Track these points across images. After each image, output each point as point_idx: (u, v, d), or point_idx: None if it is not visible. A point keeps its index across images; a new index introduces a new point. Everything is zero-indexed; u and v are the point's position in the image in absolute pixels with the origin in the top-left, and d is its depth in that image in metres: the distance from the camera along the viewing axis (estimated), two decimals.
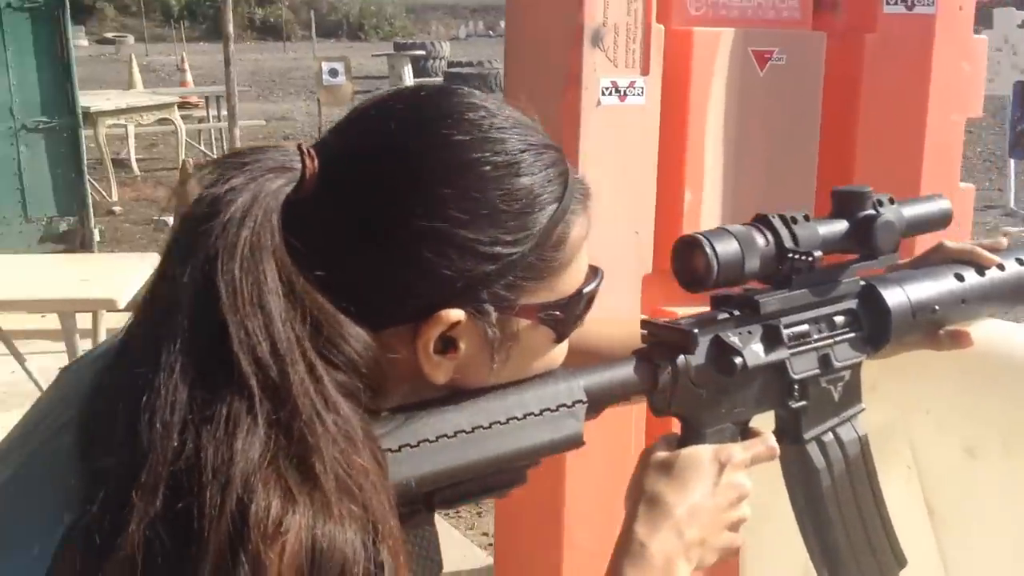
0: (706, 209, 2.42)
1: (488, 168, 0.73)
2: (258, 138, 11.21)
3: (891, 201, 0.97)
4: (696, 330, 0.86)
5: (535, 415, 0.78)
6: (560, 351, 0.82)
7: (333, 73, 11.48)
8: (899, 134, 2.48)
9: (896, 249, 0.97)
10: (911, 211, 0.99)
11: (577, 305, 0.79)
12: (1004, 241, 1.06)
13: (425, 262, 0.71)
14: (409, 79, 16.55)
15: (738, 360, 0.87)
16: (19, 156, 6.08)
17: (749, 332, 0.89)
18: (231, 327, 0.64)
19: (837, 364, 0.95)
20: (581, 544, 2.25)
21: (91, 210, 6.40)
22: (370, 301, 0.71)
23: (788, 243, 0.89)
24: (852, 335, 0.96)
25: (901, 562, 1.00)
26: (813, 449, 0.95)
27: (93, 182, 8.27)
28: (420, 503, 0.74)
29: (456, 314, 0.72)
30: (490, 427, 0.76)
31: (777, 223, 0.90)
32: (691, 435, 0.88)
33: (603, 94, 2.25)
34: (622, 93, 2.29)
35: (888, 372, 1.01)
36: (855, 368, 0.97)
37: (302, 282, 0.68)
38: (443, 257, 0.71)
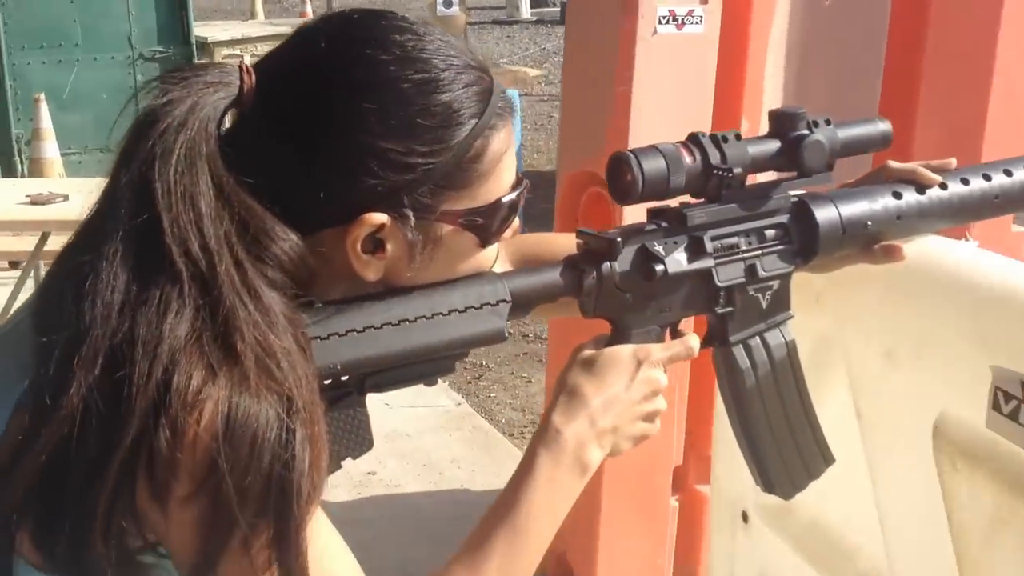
0: None
1: (408, 85, 0.81)
2: None
3: (828, 123, 1.02)
4: (619, 238, 0.93)
5: (459, 312, 0.86)
6: (487, 256, 0.90)
7: (447, 3, 11.53)
8: (966, 67, 2.44)
9: (829, 168, 1.01)
10: (846, 132, 1.03)
11: (497, 213, 0.87)
12: (953, 162, 1.10)
13: (349, 170, 0.80)
14: (526, 9, 16.45)
15: (659, 267, 0.94)
16: (135, 84, 6.35)
17: (675, 242, 0.96)
18: (164, 222, 0.74)
19: (764, 274, 1.01)
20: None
21: None
22: (301, 205, 0.80)
23: (715, 160, 0.95)
24: (781, 247, 1.02)
25: (828, 460, 1.07)
26: (739, 351, 1.02)
27: None
28: (352, 387, 0.85)
29: (380, 217, 0.81)
30: (415, 321, 0.84)
31: (706, 142, 0.95)
32: (618, 336, 0.96)
33: (660, 22, 2.28)
34: (680, 22, 2.31)
35: (831, 285, 1.07)
36: (784, 278, 1.03)
37: (232, 185, 0.77)
38: (365, 165, 0.80)
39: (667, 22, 2.30)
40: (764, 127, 2.67)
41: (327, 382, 0.83)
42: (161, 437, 0.69)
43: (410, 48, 0.82)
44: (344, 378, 0.84)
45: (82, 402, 0.70)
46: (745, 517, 1.34)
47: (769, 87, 2.42)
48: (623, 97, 2.29)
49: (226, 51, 8.54)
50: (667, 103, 2.29)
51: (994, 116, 2.44)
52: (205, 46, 8.24)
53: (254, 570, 0.73)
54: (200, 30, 8.44)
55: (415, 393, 3.76)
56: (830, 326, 1.17)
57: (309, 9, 13.07)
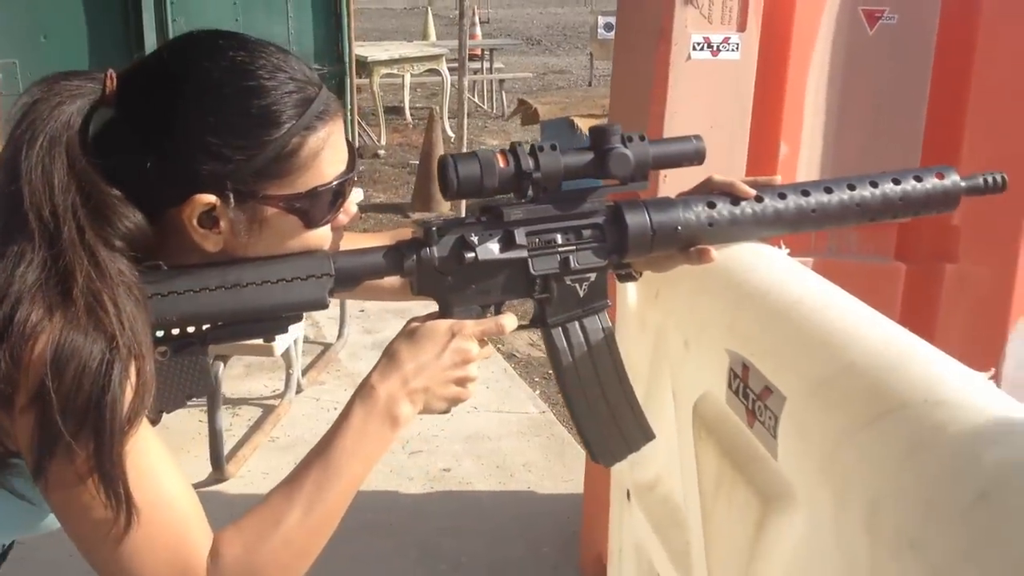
0: (803, 162, 2.50)
1: (230, 91, 0.99)
2: (531, 90, 11.70)
3: (641, 138, 1.14)
4: (435, 228, 1.10)
5: (287, 281, 1.04)
6: (315, 235, 1.06)
7: (608, 27, 11.70)
8: (1014, 97, 2.43)
9: (637, 178, 1.14)
10: (658, 149, 1.15)
11: (316, 199, 1.04)
12: (778, 178, 1.20)
13: (181, 158, 0.98)
14: None
15: (469, 255, 1.10)
16: None
17: (490, 234, 1.12)
18: (25, 192, 0.94)
19: (578, 266, 1.14)
20: None
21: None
22: (147, 187, 0.99)
23: (527, 167, 1.09)
24: (596, 244, 1.15)
25: (647, 435, 1.19)
26: (557, 333, 1.16)
27: (364, 126, 9.06)
28: (196, 338, 1.03)
29: (208, 198, 0.99)
30: (247, 286, 1.02)
31: (521, 151, 1.10)
32: (442, 313, 1.13)
33: (694, 49, 2.38)
34: (715, 48, 2.41)
35: (665, 283, 1.19)
36: (600, 271, 1.16)
37: (83, 166, 0.96)
38: (193, 155, 0.98)
39: (702, 48, 2.40)
40: (805, 152, 2.74)
41: (175, 332, 1.02)
42: (3, 359, 0.89)
43: (239, 62, 1.00)
44: (191, 330, 1.03)
45: None
46: (628, 495, 1.46)
47: (810, 113, 2.48)
48: (656, 119, 2.41)
49: (384, 70, 8.99)
50: (701, 126, 2.38)
51: None
52: (365, 65, 8.70)
53: (78, 475, 0.92)
54: (361, 50, 8.92)
55: (502, 399, 3.98)
56: (663, 319, 1.29)
57: (479, 31, 13.52)
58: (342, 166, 1.06)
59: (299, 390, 3.95)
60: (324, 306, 1.08)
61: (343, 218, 1.09)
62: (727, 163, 2.39)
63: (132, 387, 0.93)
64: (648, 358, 1.35)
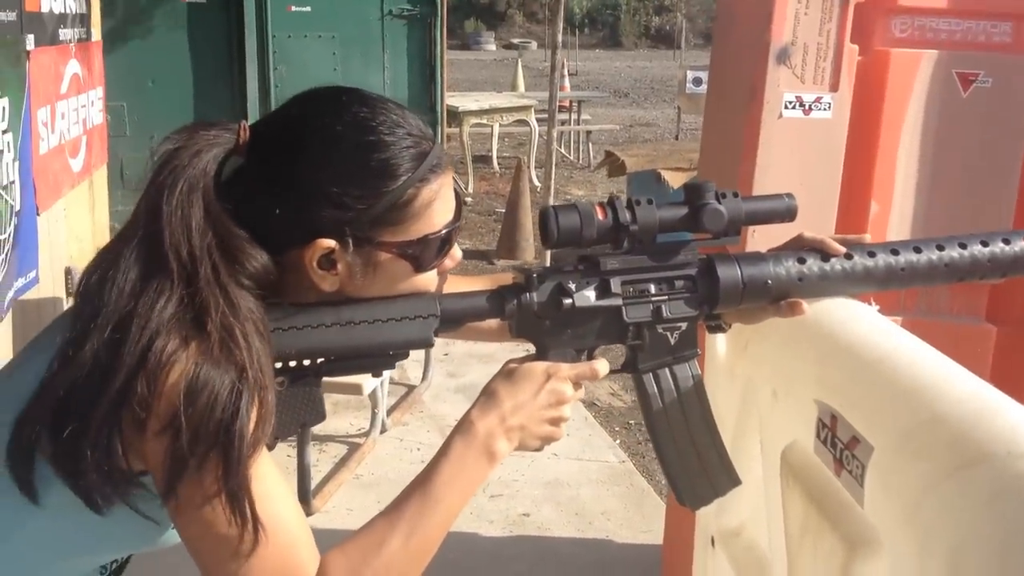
0: (894, 221, 2.52)
1: (353, 145, 1.07)
2: (617, 142, 11.79)
3: (735, 195, 1.19)
4: (535, 275, 1.16)
5: (396, 320, 1.11)
6: (425, 279, 1.14)
7: (697, 82, 11.77)
8: None
9: (730, 233, 1.18)
10: (750, 205, 1.20)
11: (426, 246, 1.11)
12: (867, 237, 1.24)
13: (305, 205, 1.06)
14: None
15: (567, 301, 1.15)
16: None
17: (587, 282, 1.17)
18: (165, 233, 1.02)
19: (670, 315, 1.19)
20: None
21: None
22: (273, 230, 1.07)
23: (625, 220, 1.15)
24: (688, 295, 1.20)
25: (734, 481, 1.22)
26: (648, 379, 1.21)
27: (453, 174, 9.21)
28: (310, 370, 1.10)
29: (328, 242, 1.07)
30: (359, 324, 1.10)
31: (619, 204, 1.16)
32: (538, 355, 1.18)
33: (786, 107, 2.42)
34: (807, 107, 2.44)
35: (755, 335, 1.23)
36: (690, 321, 1.20)
37: (218, 211, 1.04)
38: (317, 203, 1.06)
39: (793, 107, 2.44)
40: (897, 211, 2.75)
41: (292, 364, 1.10)
42: (141, 384, 0.97)
43: (361, 118, 1.08)
44: (306, 363, 1.10)
45: (93, 355, 0.99)
46: (712, 542, 1.49)
47: (901, 172, 2.50)
48: (746, 176, 2.45)
49: (474, 120, 9.16)
50: (791, 183, 2.39)
51: None
52: (456, 114, 8.89)
53: (206, 496, 0.99)
54: (453, 100, 9.12)
55: (583, 447, 4.01)
56: (752, 369, 1.33)
57: (567, 83, 13.70)
58: (450, 215, 1.13)
59: (383, 430, 4.03)
60: (430, 344, 1.14)
61: (449, 263, 1.17)
62: (817, 220, 2.42)
63: (256, 415, 1.01)
64: (736, 407, 1.39)
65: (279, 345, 1.07)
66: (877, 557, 1.00)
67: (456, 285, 1.25)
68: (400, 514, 1.09)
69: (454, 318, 1.16)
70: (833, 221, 2.44)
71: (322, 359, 1.11)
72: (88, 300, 1.02)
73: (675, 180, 5.63)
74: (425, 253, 1.12)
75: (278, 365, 1.09)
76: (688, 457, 1.21)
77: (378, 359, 1.13)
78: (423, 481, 1.11)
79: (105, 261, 1.04)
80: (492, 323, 1.25)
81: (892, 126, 2.46)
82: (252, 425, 1.00)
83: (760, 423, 1.32)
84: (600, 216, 1.14)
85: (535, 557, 3.25)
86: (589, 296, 1.17)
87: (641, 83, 21.92)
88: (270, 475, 1.04)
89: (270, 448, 1.07)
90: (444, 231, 1.12)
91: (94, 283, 1.03)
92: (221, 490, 0.99)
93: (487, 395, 1.14)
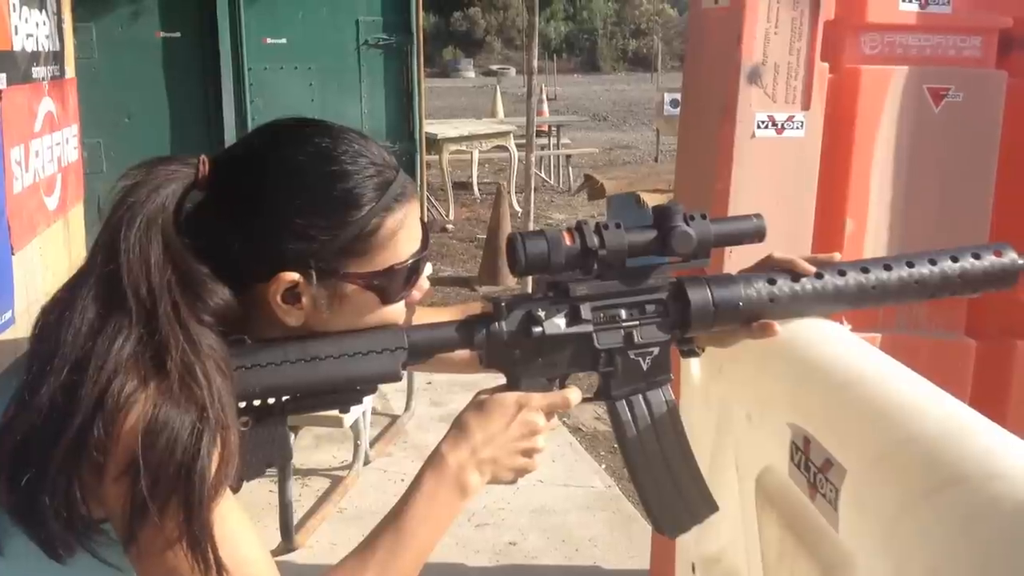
0: (870, 238, 2.51)
1: (315, 176, 1.05)
2: (597, 165, 11.82)
3: (703, 217, 1.18)
4: (504, 303, 1.14)
5: (362, 354, 1.08)
6: (392, 311, 1.11)
7: (674, 104, 11.84)
8: None
9: (700, 255, 1.17)
10: (720, 227, 1.18)
11: (393, 277, 1.08)
12: (837, 256, 1.23)
13: (267, 239, 1.04)
14: None
15: (537, 329, 1.13)
16: None
17: (557, 309, 1.15)
18: (123, 271, 1.00)
19: (641, 341, 1.17)
20: None
21: None
22: (235, 265, 1.04)
23: (593, 245, 1.13)
24: (659, 319, 1.18)
25: (711, 507, 1.20)
26: (621, 406, 1.19)
27: (433, 201, 9.22)
28: (275, 408, 1.07)
29: (292, 276, 1.04)
30: (325, 359, 1.07)
31: (587, 229, 1.14)
32: (510, 384, 1.16)
33: (758, 127, 2.42)
34: (779, 126, 2.45)
35: (729, 358, 1.21)
36: (663, 346, 1.19)
37: (178, 247, 1.02)
38: (280, 236, 1.04)
39: (766, 127, 2.44)
40: (873, 228, 2.75)
41: (256, 402, 1.07)
42: (98, 427, 0.94)
43: (324, 148, 1.06)
44: (271, 401, 1.08)
45: (49, 398, 0.96)
46: (693, 568, 1.47)
47: (876, 188, 2.50)
48: (721, 196, 2.44)
49: (453, 146, 9.18)
50: (766, 203, 2.40)
51: None
52: (435, 141, 8.90)
53: (168, 541, 0.96)
54: (431, 127, 9.13)
55: (568, 473, 3.98)
56: (726, 393, 1.32)
57: (546, 108, 13.75)
58: (416, 244, 1.12)
59: (367, 461, 3.99)
60: (398, 378, 1.12)
61: (416, 294, 1.15)
62: (793, 239, 2.41)
63: (219, 456, 0.98)
64: (712, 432, 1.37)
65: (243, 383, 1.04)
66: None
67: (425, 317, 1.23)
68: (372, 552, 1.06)
69: (422, 350, 1.13)
70: (809, 239, 2.44)
71: (287, 396, 1.08)
72: (44, 341, 1.00)
73: (654, 202, 5.64)
74: (392, 284, 1.10)
75: (242, 404, 1.06)
76: (664, 484, 1.19)
77: (345, 394, 1.10)
78: (394, 518, 1.09)
79: (62, 301, 1.02)
80: (462, 354, 1.23)
81: (865, 143, 2.46)
82: (214, 467, 0.97)
83: (735, 447, 1.30)
84: (568, 242, 1.13)
85: None
86: (559, 323, 1.15)
87: (620, 106, 22.02)
88: (234, 517, 1.01)
89: (235, 490, 1.04)
90: (411, 261, 1.10)
91: (51, 323, 1.00)
92: (183, 535, 0.96)
93: (458, 427, 1.12)
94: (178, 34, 6.76)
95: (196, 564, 0.96)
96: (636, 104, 21.67)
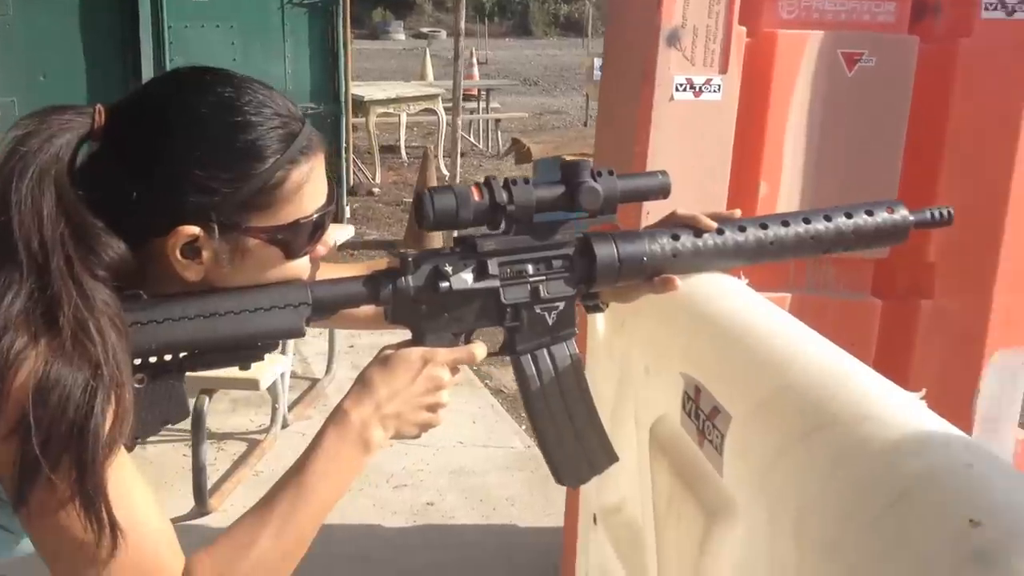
0: (782, 201, 2.55)
1: (218, 126, 1.02)
2: (527, 129, 11.81)
3: (610, 173, 1.19)
4: (411, 258, 1.13)
5: (264, 310, 1.07)
6: (296, 267, 1.10)
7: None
8: (989, 140, 2.48)
9: (607, 211, 1.18)
10: (625, 183, 1.19)
11: (298, 231, 1.07)
12: (737, 212, 1.25)
13: (166, 190, 1.01)
14: None
15: (443, 284, 1.13)
16: None
17: (464, 264, 1.15)
18: (15, 223, 0.96)
19: (548, 296, 1.18)
20: None
21: (344, 188, 7.14)
22: (132, 218, 1.02)
23: (501, 200, 1.13)
24: (566, 275, 1.19)
25: (611, 458, 1.22)
26: (526, 360, 1.20)
27: (359, 164, 9.14)
28: (172, 365, 1.05)
29: (192, 229, 1.02)
30: (224, 315, 1.05)
31: (495, 184, 1.14)
32: (415, 340, 1.15)
33: (677, 90, 2.43)
34: (697, 89, 2.46)
35: (631, 313, 1.23)
36: (568, 301, 1.19)
37: (71, 199, 0.99)
38: (180, 187, 1.01)
39: (684, 89, 2.45)
40: (786, 190, 2.78)
41: (152, 359, 1.04)
42: None
43: (226, 97, 1.04)
44: (168, 358, 1.06)
45: None
46: (595, 519, 1.49)
47: (789, 152, 2.53)
48: (640, 157, 2.46)
49: (381, 109, 9.08)
50: (684, 164, 2.42)
51: (1017, 187, 2.47)
52: (362, 104, 8.79)
53: (60, 501, 0.94)
54: (358, 89, 9.01)
55: (488, 434, 4.00)
56: (627, 347, 1.33)
57: (476, 72, 13.67)
58: (322, 199, 1.10)
59: (285, 425, 3.96)
60: (301, 334, 1.11)
61: (321, 249, 1.13)
62: (709, 201, 2.43)
63: (113, 414, 0.95)
64: (614, 385, 1.39)
65: (139, 340, 1.01)
66: (733, 524, 1.01)
67: (330, 273, 1.21)
68: (271, 510, 1.05)
69: (327, 305, 1.12)
70: (724, 201, 2.46)
71: (185, 353, 1.06)
72: None
73: (560, 163, 5.66)
74: (296, 239, 1.08)
75: (137, 361, 1.03)
76: (566, 436, 1.20)
77: (246, 351, 1.09)
78: (296, 473, 1.07)
79: None
80: (368, 310, 1.21)
81: (780, 106, 2.49)
82: (108, 425, 0.95)
83: (635, 399, 1.32)
84: (476, 197, 1.13)
85: (439, 545, 3.23)
86: (466, 278, 1.15)
87: (551, 71, 21.97)
88: (128, 476, 0.99)
89: (129, 449, 1.02)
90: (316, 215, 1.09)
91: None
92: (75, 495, 0.94)
93: (362, 383, 1.11)
94: None
95: (89, 524, 0.94)
96: (567, 69, 21.62)
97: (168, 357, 1.06)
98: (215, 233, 1.03)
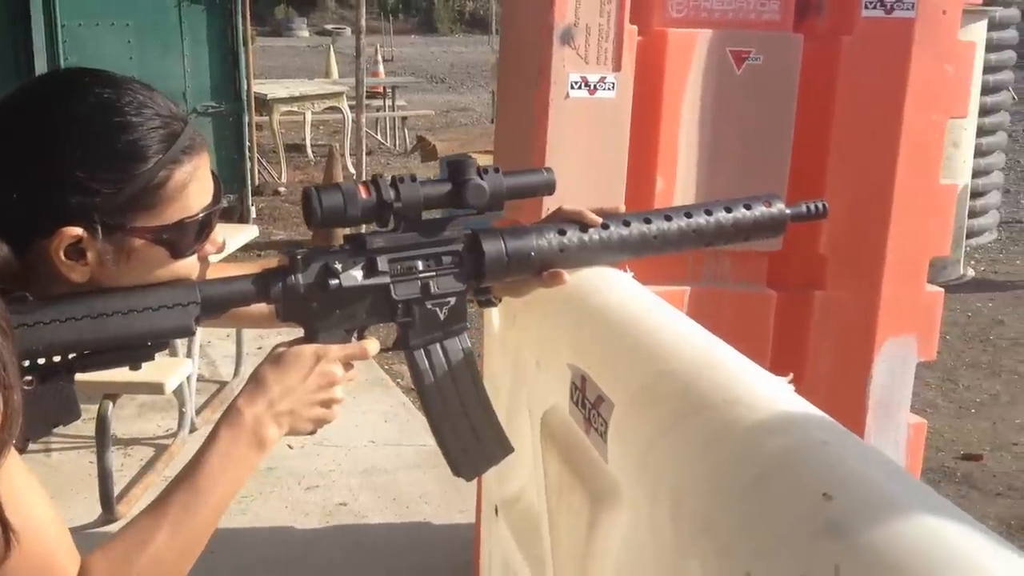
0: (678, 195, 2.61)
1: (97, 127, 1.03)
2: (434, 127, 11.81)
3: (496, 171, 1.22)
4: (300, 256, 1.15)
5: (153, 309, 1.08)
6: (184, 266, 1.11)
7: None
8: (873, 134, 2.58)
9: (494, 207, 1.21)
10: (512, 180, 1.23)
11: (181, 231, 1.08)
12: (621, 207, 1.30)
13: (46, 192, 1.02)
14: None
15: (333, 281, 1.15)
16: None
17: (354, 262, 1.17)
18: None
19: (438, 291, 1.21)
20: None
21: (249, 188, 7.07)
22: (13, 221, 1.02)
23: (389, 198, 1.16)
24: (456, 270, 1.22)
25: (506, 449, 1.26)
26: (419, 355, 1.23)
27: (264, 163, 9.03)
28: (62, 367, 1.06)
29: (75, 230, 1.03)
30: (112, 315, 1.06)
31: (383, 182, 1.17)
32: (307, 337, 1.17)
33: (572, 88, 2.48)
34: (592, 87, 2.51)
35: (523, 307, 1.27)
36: (459, 296, 1.23)
37: None
38: (60, 189, 1.02)
39: (579, 87, 2.50)
40: (681, 185, 2.84)
41: (41, 361, 1.05)
42: None
43: (105, 98, 1.05)
44: (56, 359, 1.06)
45: None
46: (496, 511, 1.53)
47: (683, 148, 2.59)
48: (538, 154, 2.50)
49: (285, 107, 8.99)
50: (581, 161, 2.47)
51: (902, 180, 2.58)
52: (266, 102, 8.70)
53: None
54: (261, 87, 8.92)
55: (400, 432, 4.00)
56: (519, 340, 1.38)
57: (381, 69, 13.60)
58: (208, 198, 1.11)
59: (193, 429, 3.92)
60: (191, 333, 1.12)
61: (210, 248, 1.14)
62: (606, 197, 2.45)
63: (1, 416, 0.95)
64: (509, 378, 1.43)
65: (25, 341, 1.01)
66: (617, 508, 1.06)
67: (221, 272, 1.23)
68: (165, 509, 1.06)
69: (216, 304, 1.13)
70: (622, 197, 2.51)
71: (74, 354, 1.07)
72: None
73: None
74: (182, 238, 1.09)
75: (26, 363, 1.04)
76: (461, 428, 1.24)
77: (136, 351, 1.09)
78: (189, 473, 1.09)
79: None
80: (260, 308, 1.23)
81: (673, 103, 2.55)
82: None
83: (528, 391, 1.36)
84: (364, 195, 1.15)
85: (352, 545, 3.24)
86: (356, 275, 1.17)
87: (457, 68, 21.97)
88: (20, 478, 0.99)
89: (20, 451, 1.02)
90: (202, 215, 1.10)
91: None
92: None
93: (255, 381, 1.13)
94: None
95: None
96: (473, 66, 21.64)
97: (57, 358, 1.06)
98: (99, 234, 1.04)
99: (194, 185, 1.09)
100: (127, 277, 1.08)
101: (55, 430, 1.10)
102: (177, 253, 1.10)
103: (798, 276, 2.66)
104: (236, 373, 4.46)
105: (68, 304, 1.05)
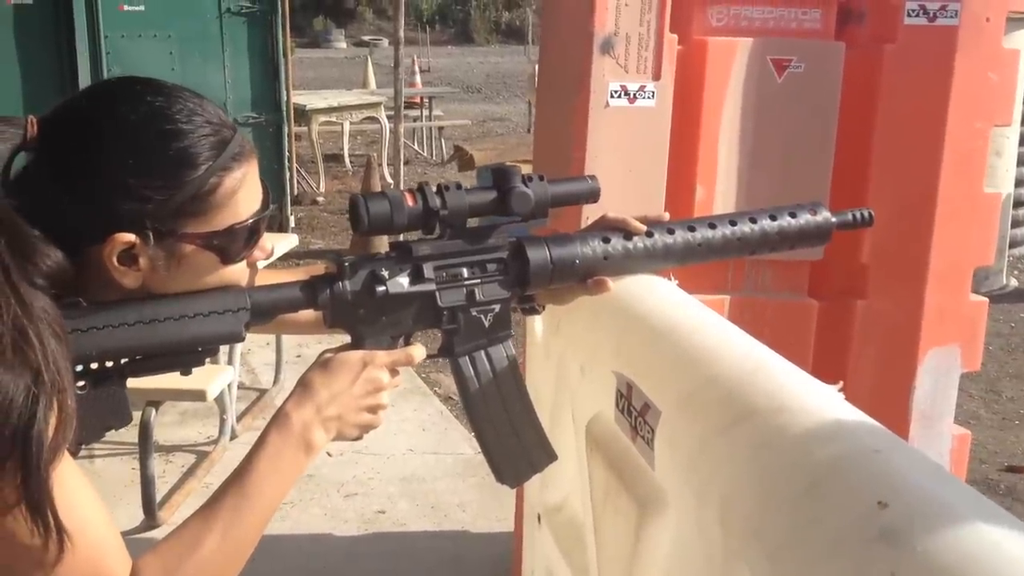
0: (718, 203, 2.61)
1: (149, 135, 1.05)
2: (470, 137, 11.84)
3: (541, 179, 1.23)
4: (348, 263, 1.16)
5: (203, 315, 1.09)
6: (234, 272, 1.12)
7: None
8: (916, 142, 2.56)
9: (539, 215, 1.22)
10: (556, 188, 1.24)
11: (233, 237, 1.10)
12: (666, 215, 1.30)
13: (100, 199, 1.04)
14: None
15: (380, 288, 1.16)
16: None
17: (400, 269, 1.18)
18: None
19: (483, 298, 1.22)
20: None
21: (288, 198, 7.13)
22: (67, 227, 1.04)
23: (435, 205, 1.17)
24: (500, 278, 1.23)
25: (551, 456, 1.26)
26: (464, 361, 1.23)
27: (303, 173, 9.11)
28: (114, 372, 1.07)
29: (127, 237, 1.04)
30: (164, 321, 1.07)
31: (428, 190, 1.17)
32: (354, 343, 1.19)
33: (612, 96, 2.48)
34: (632, 96, 2.51)
35: (566, 314, 1.28)
36: (503, 303, 1.23)
37: (6, 210, 1.01)
38: (113, 196, 1.04)
39: (619, 96, 2.50)
40: (721, 194, 2.84)
41: (94, 366, 1.06)
42: None
43: (157, 106, 1.07)
44: (109, 364, 1.08)
45: None
46: (539, 519, 1.54)
47: (724, 156, 2.59)
48: (578, 163, 2.50)
49: (323, 118, 9.06)
50: (620, 170, 2.48)
51: (945, 188, 2.55)
52: (304, 113, 8.77)
53: (6, 506, 0.95)
54: (300, 98, 9.00)
55: (438, 441, 4.02)
56: (563, 348, 1.38)
57: (418, 79, 13.69)
58: (257, 204, 1.13)
59: (233, 436, 3.95)
60: (240, 339, 1.13)
61: (259, 254, 1.15)
62: (646, 205, 2.47)
63: (56, 420, 0.97)
64: (552, 385, 1.43)
65: (79, 346, 1.03)
66: (664, 514, 1.06)
67: (269, 278, 1.24)
68: (215, 512, 1.07)
69: (265, 310, 1.15)
70: (662, 205, 2.51)
71: (126, 359, 1.08)
72: None
73: (492, 169, 5.70)
74: (232, 244, 1.10)
75: (79, 368, 1.05)
76: (505, 436, 1.24)
77: (186, 356, 1.11)
78: (238, 477, 1.10)
79: None
80: (307, 315, 1.24)
81: (713, 112, 2.55)
82: (51, 431, 0.96)
83: (572, 399, 1.37)
84: (410, 202, 1.16)
85: (391, 553, 3.25)
86: (402, 282, 1.18)
87: (493, 78, 22.04)
88: (74, 481, 1.01)
89: (74, 454, 1.04)
90: (251, 221, 1.11)
91: None
92: (21, 499, 0.95)
93: (303, 386, 1.14)
94: (30, 0, 6.50)
95: (36, 528, 0.96)
96: (509, 76, 21.70)
97: (109, 364, 1.08)
98: (151, 240, 1.06)
99: (244, 191, 1.10)
100: (178, 283, 1.10)
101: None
102: (227, 259, 1.11)
103: (840, 285, 2.64)
104: (276, 381, 4.49)
105: (120, 310, 1.07)
